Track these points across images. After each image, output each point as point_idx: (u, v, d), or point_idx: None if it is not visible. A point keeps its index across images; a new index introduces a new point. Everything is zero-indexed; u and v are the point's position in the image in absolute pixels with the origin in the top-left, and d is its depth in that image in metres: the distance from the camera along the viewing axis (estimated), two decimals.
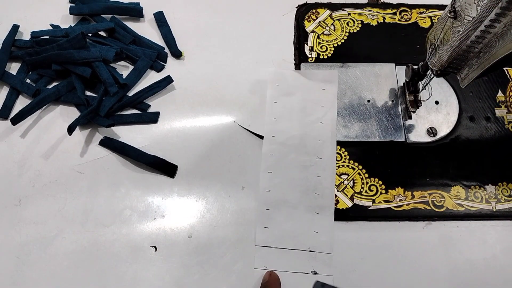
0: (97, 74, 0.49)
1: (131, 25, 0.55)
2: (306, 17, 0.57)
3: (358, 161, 0.49)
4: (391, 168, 0.48)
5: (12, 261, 0.43)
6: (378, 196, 0.47)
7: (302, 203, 0.45)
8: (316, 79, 0.51)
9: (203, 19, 0.57)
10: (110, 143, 0.48)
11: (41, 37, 0.52)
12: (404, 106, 0.51)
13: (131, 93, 0.51)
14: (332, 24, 0.56)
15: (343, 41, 0.55)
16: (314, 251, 0.43)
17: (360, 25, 0.56)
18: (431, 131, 0.50)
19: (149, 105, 0.51)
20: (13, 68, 0.52)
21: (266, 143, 0.48)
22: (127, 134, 0.49)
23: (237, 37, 0.55)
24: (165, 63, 0.54)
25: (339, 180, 0.48)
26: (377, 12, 0.57)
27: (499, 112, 0.52)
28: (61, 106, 0.51)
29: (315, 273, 0.43)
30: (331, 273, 0.43)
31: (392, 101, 0.51)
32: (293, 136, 0.48)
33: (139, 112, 0.51)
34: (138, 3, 0.56)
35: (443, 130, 0.50)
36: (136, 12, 0.56)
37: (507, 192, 0.47)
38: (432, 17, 0.57)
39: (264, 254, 0.43)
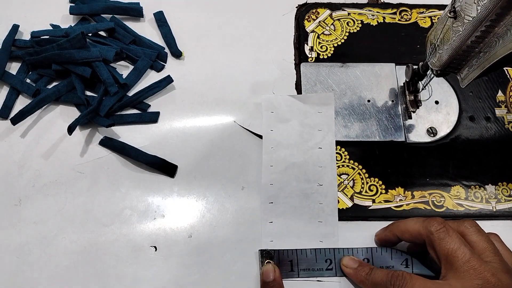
0: (97, 74, 0.49)
1: (131, 25, 0.55)
2: (306, 17, 0.57)
3: (358, 161, 0.49)
4: (391, 168, 0.48)
5: (12, 261, 0.43)
6: (378, 196, 0.47)
7: (305, 233, 0.45)
8: (311, 102, 0.50)
9: (203, 19, 0.57)
10: (110, 143, 0.48)
11: (41, 37, 0.52)
12: (404, 106, 0.51)
13: (131, 93, 0.51)
14: (332, 24, 0.56)
15: (343, 41, 0.55)
16: (322, 280, 0.43)
17: (360, 25, 0.56)
18: (431, 131, 0.50)
19: (149, 105, 0.51)
20: (13, 68, 0.52)
21: (265, 174, 0.47)
22: (127, 134, 0.49)
23: (237, 37, 0.55)
24: (165, 63, 0.54)
25: (339, 180, 0.48)
26: (377, 12, 0.57)
27: (499, 112, 0.52)
28: (61, 106, 0.51)
29: None
30: None
31: (392, 101, 0.51)
32: (292, 164, 0.47)
33: (139, 112, 0.51)
34: (138, 3, 0.56)
35: (443, 130, 0.50)
36: (136, 12, 0.56)
37: (507, 192, 0.47)
38: (432, 17, 0.57)
39: None
